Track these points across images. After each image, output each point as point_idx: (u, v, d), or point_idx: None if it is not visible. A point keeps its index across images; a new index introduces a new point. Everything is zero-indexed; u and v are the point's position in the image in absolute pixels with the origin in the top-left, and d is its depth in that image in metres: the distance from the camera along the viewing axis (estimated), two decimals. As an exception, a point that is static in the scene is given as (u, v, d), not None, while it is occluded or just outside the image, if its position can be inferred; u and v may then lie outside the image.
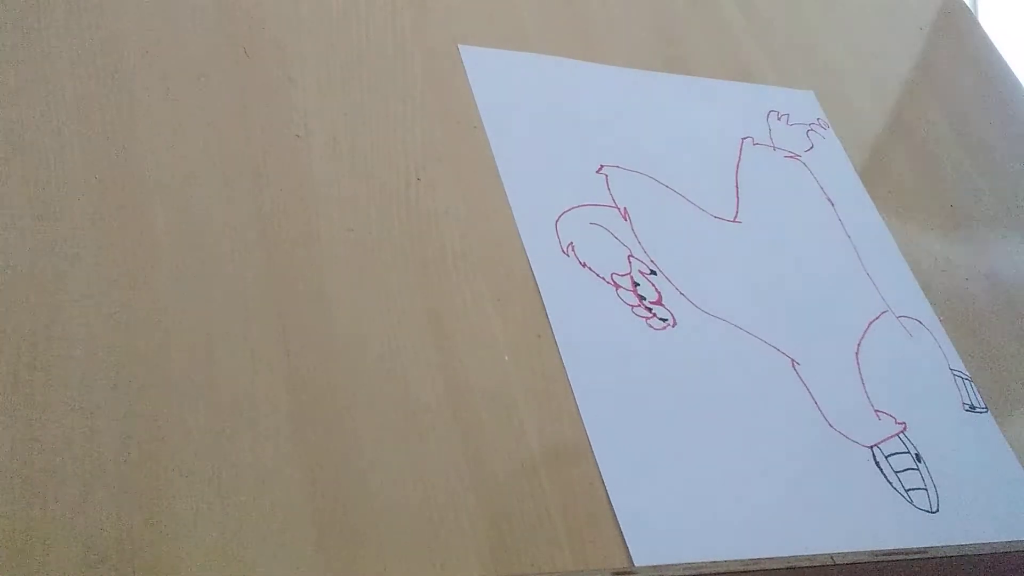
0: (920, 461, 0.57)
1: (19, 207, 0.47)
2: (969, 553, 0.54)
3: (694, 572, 0.47)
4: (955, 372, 0.63)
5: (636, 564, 0.46)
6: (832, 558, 0.50)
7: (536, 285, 0.55)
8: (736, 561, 0.48)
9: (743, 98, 0.73)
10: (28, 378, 0.42)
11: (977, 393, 0.62)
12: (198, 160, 0.52)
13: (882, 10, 0.88)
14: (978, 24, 0.93)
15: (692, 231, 0.63)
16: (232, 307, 0.48)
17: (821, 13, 0.84)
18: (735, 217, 0.65)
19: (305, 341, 0.48)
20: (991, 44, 0.91)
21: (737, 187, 0.67)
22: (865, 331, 0.62)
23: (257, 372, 0.46)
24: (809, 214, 0.68)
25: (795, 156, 0.71)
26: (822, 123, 0.74)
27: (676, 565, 0.47)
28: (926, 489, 0.56)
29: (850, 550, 0.51)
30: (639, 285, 0.57)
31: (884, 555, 0.51)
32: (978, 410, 0.61)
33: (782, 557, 0.49)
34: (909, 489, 0.55)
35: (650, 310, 0.57)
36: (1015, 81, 0.88)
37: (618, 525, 0.47)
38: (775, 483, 0.52)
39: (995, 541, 0.55)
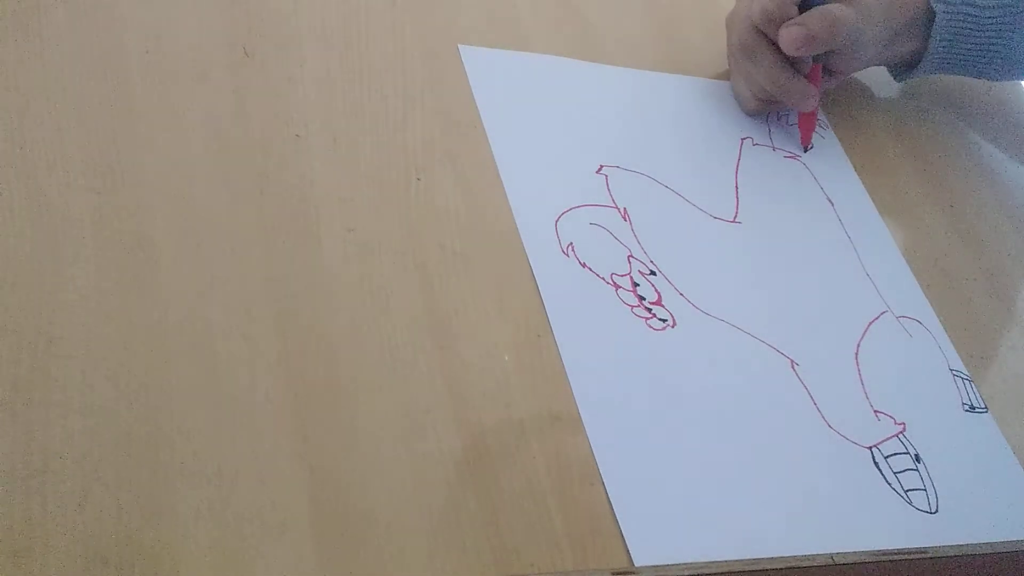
0: (919, 462, 0.57)
1: (19, 207, 0.47)
2: (969, 553, 0.54)
3: (694, 572, 0.47)
4: (955, 372, 0.63)
5: (636, 564, 0.46)
6: (832, 558, 0.50)
7: (536, 285, 0.55)
8: (736, 561, 0.48)
9: (743, 98, 0.73)
10: (28, 378, 0.42)
11: (977, 393, 0.62)
12: (198, 160, 0.52)
13: (882, 10, 0.88)
14: (978, 24, 0.93)
15: (692, 232, 0.63)
16: (232, 307, 0.48)
17: (821, 13, 0.84)
18: (735, 218, 0.65)
19: (305, 341, 0.48)
20: (991, 44, 0.90)
21: (737, 187, 0.67)
22: (864, 331, 0.62)
23: (257, 372, 0.46)
24: (809, 214, 0.68)
25: (795, 156, 0.71)
26: (822, 123, 0.74)
27: (676, 565, 0.47)
28: (925, 490, 0.56)
29: (850, 550, 0.51)
30: (639, 285, 0.58)
31: (884, 555, 0.51)
32: (978, 410, 0.61)
33: (782, 557, 0.49)
34: (908, 490, 0.55)
35: (650, 310, 0.57)
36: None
37: (618, 525, 0.47)
38: (775, 484, 0.52)
39: (995, 541, 0.55)
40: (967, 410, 0.61)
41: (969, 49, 0.73)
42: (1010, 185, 0.79)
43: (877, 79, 0.80)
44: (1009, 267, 0.71)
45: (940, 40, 0.72)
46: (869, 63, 0.74)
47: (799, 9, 0.67)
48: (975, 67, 0.75)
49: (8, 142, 0.49)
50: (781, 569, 0.49)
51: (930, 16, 0.72)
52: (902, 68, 0.76)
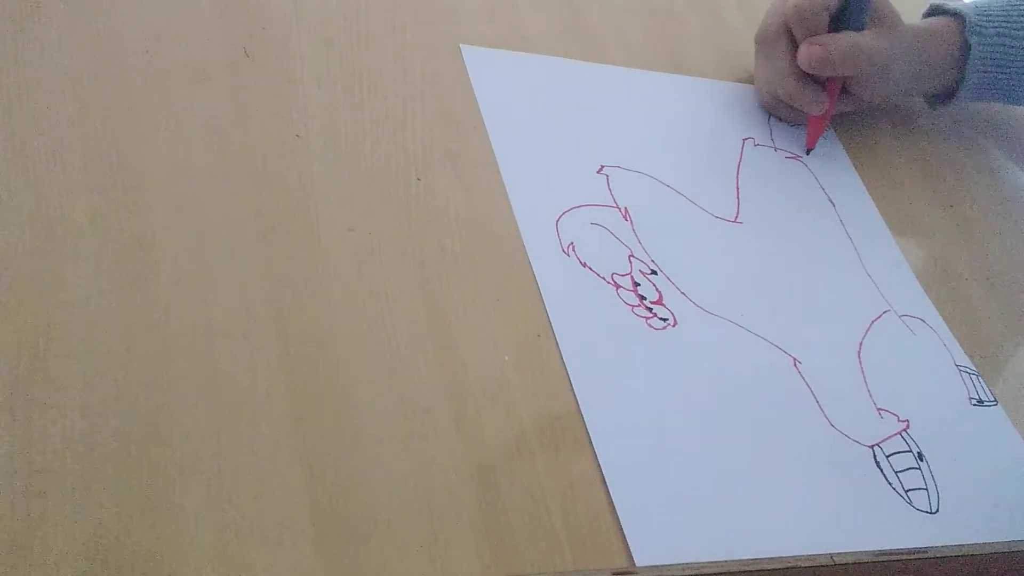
0: (922, 460, 0.57)
1: (19, 207, 0.47)
2: (970, 553, 0.54)
3: (694, 572, 0.47)
4: (961, 368, 0.63)
5: (637, 564, 0.46)
6: (832, 558, 0.50)
7: (536, 285, 0.55)
8: (736, 561, 0.48)
9: (744, 98, 0.73)
10: (28, 378, 0.42)
11: (985, 387, 0.62)
12: (198, 160, 0.52)
13: (883, 10, 0.88)
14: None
15: (693, 231, 0.63)
16: (232, 307, 0.48)
17: (822, 13, 0.84)
18: (736, 218, 0.65)
19: (305, 341, 0.48)
20: (992, 44, 0.90)
21: (738, 188, 0.67)
22: (867, 330, 0.62)
23: (257, 372, 0.46)
24: (810, 215, 0.68)
25: (796, 157, 0.71)
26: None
27: (676, 565, 0.47)
28: (926, 489, 0.56)
29: (850, 550, 0.51)
30: (640, 285, 0.57)
31: (884, 555, 0.51)
32: (987, 403, 0.61)
33: (782, 557, 0.49)
34: (909, 489, 0.55)
35: (650, 310, 0.57)
36: (1016, 81, 0.88)
37: (619, 525, 0.47)
38: (775, 483, 0.52)
39: (996, 541, 0.55)
40: (975, 404, 0.61)
41: (1006, 78, 0.73)
42: (1010, 185, 0.79)
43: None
44: (1009, 267, 0.71)
45: (976, 71, 0.73)
46: (899, 95, 0.75)
47: (834, 25, 0.67)
48: (1011, 95, 0.76)
49: (8, 142, 0.49)
50: (781, 569, 0.49)
51: (965, 49, 0.72)
52: (938, 98, 0.77)
